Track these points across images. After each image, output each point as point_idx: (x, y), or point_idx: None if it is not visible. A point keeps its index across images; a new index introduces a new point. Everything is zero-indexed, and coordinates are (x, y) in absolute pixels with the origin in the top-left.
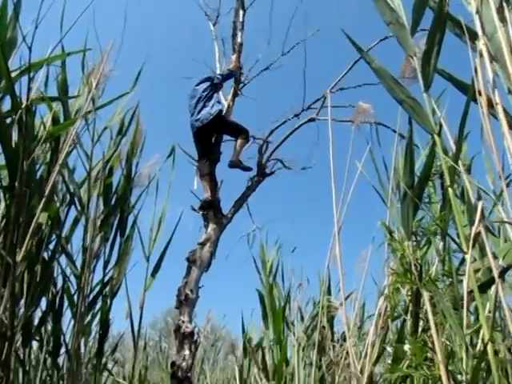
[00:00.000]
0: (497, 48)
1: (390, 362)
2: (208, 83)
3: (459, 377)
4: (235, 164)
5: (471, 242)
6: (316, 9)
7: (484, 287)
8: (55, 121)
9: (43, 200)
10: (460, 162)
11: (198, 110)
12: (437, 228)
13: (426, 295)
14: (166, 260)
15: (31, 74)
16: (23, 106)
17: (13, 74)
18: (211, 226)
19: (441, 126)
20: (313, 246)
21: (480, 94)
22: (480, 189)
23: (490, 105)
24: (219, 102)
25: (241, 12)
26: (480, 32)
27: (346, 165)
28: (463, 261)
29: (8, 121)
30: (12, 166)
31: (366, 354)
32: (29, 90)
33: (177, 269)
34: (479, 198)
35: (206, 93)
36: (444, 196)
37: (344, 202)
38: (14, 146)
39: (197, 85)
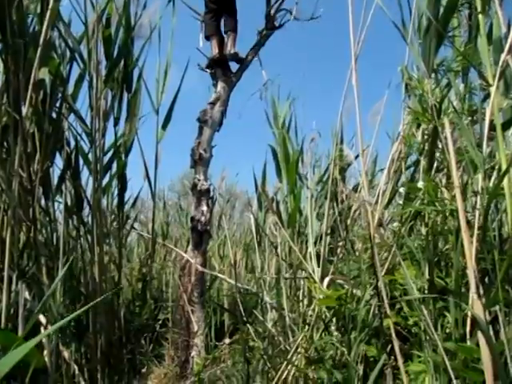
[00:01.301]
0: None
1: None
2: None
3: (469, 215)
4: (235, 56)
5: (499, 71)
6: None
7: (507, 124)
8: None
9: (39, 50)
10: None
11: None
12: (460, 65)
13: (447, 126)
14: (178, 126)
15: None
16: None
17: None
18: (220, 85)
19: None
20: (326, 99)
21: None
22: None
23: None
24: None
25: None
26: None
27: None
28: (485, 99)
29: None
30: None
31: (377, 200)
32: None
33: (190, 134)
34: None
35: None
36: (470, 31)
37: (362, 29)
38: None
39: None
